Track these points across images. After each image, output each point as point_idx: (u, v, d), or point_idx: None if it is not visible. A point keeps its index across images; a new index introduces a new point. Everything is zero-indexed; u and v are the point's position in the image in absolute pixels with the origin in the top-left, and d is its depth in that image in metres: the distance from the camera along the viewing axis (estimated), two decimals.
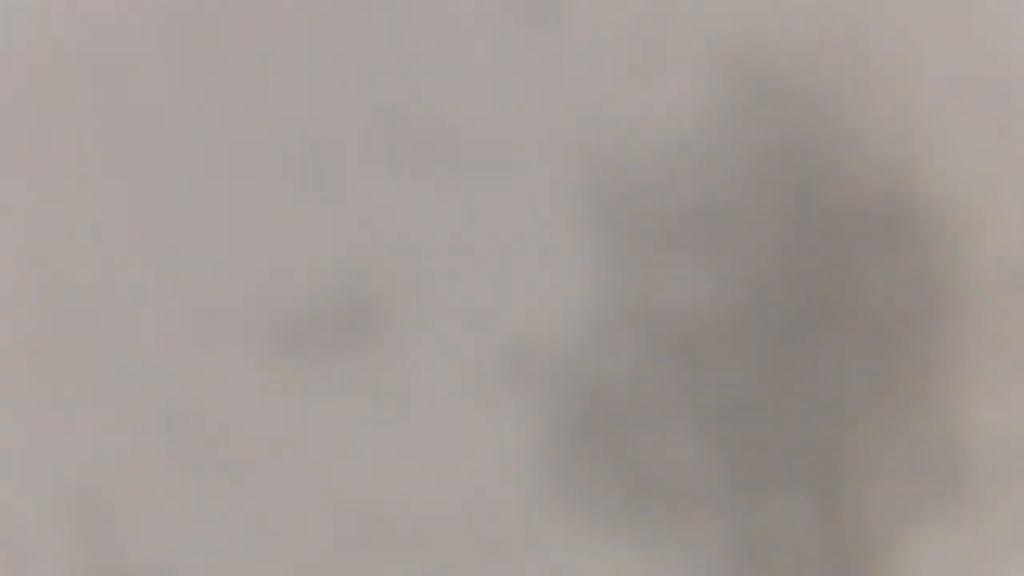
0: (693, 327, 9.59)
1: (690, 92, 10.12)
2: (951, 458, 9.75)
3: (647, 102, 10.25)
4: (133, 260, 9.89)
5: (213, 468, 9.57)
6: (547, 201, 9.88)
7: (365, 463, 9.80)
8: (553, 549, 9.61)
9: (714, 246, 9.58)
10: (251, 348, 9.84)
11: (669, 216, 9.79)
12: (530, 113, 9.89)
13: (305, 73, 9.78)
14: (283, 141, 9.71)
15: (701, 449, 9.52)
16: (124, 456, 9.58)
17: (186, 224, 10.07)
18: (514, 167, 9.90)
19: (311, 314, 9.98)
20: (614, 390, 9.65)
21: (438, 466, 9.76)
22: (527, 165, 9.88)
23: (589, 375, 9.74)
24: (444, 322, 10.00)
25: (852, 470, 9.42)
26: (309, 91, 9.82)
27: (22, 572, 9.29)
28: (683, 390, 9.49)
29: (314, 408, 9.88)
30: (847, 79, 9.59)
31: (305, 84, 9.83)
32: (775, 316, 9.52)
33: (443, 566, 9.54)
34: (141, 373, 9.79)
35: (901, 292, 9.46)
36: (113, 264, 9.85)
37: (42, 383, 9.61)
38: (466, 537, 9.62)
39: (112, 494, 9.39)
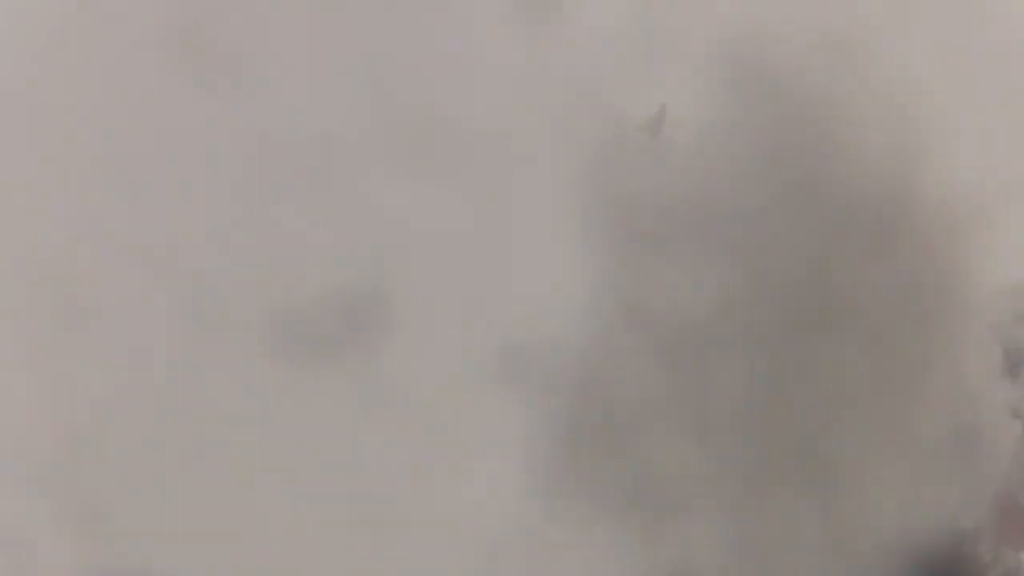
0: (692, 327, 9.54)
1: (689, 93, 10.08)
2: (951, 455, 9.68)
3: (646, 104, 10.20)
4: (132, 261, 9.82)
5: (212, 468, 9.50)
6: (547, 202, 9.82)
7: (364, 462, 9.72)
8: (552, 546, 9.55)
9: (713, 246, 9.54)
10: (250, 348, 9.78)
11: (668, 216, 9.75)
12: (530, 115, 9.84)
13: (307, 74, 9.72)
14: (283, 142, 9.67)
15: (700, 448, 9.47)
16: (123, 456, 9.51)
17: (186, 225, 9.99)
18: (513, 168, 9.86)
19: (310, 314, 9.91)
20: (613, 389, 9.60)
21: (437, 464, 9.69)
22: (526, 166, 9.83)
23: (588, 374, 9.68)
24: (444, 321, 9.93)
25: (851, 469, 9.37)
26: (310, 92, 9.77)
27: (22, 572, 9.22)
28: (682, 389, 9.44)
29: (313, 407, 9.80)
30: (847, 80, 9.56)
31: (306, 85, 9.77)
32: (774, 316, 9.47)
33: (442, 563, 9.49)
34: (140, 372, 9.72)
35: (901, 291, 9.42)
36: (113, 264, 9.78)
37: (42, 382, 9.53)
38: (465, 534, 9.56)
39: (111, 494, 9.33)
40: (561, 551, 9.38)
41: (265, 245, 10.03)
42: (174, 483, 9.48)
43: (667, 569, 9.51)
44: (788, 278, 9.69)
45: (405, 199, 9.88)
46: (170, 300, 9.78)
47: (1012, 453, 10.17)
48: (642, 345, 9.76)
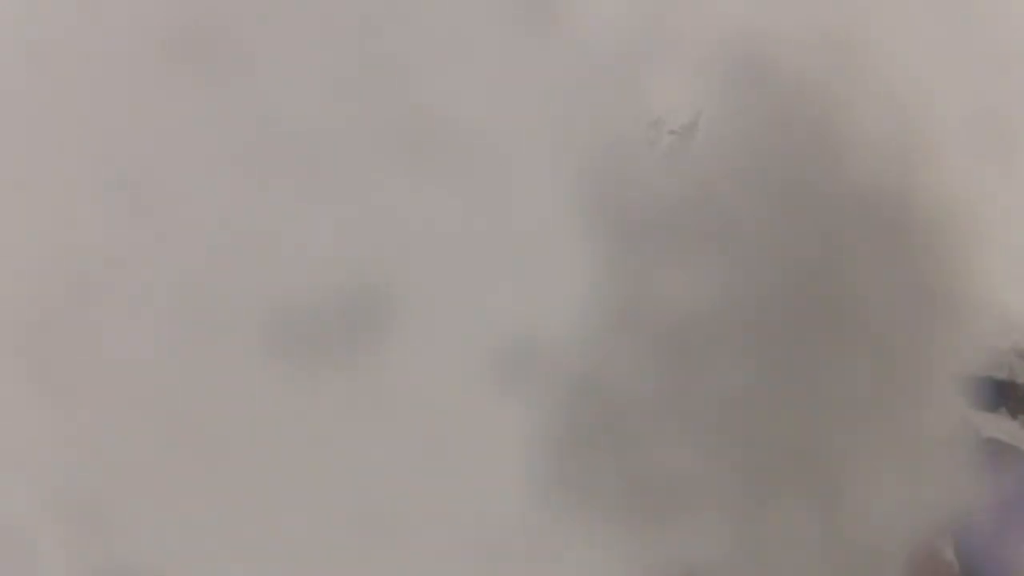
0: (692, 327, 9.56)
1: (689, 93, 10.10)
2: (950, 455, 9.72)
3: (646, 104, 10.23)
4: (131, 261, 9.85)
5: (212, 468, 9.54)
6: (547, 202, 9.86)
7: (364, 462, 9.75)
8: (551, 547, 9.58)
9: (712, 247, 9.57)
10: (250, 348, 9.81)
11: (669, 217, 9.77)
12: (529, 115, 9.88)
13: (307, 74, 9.75)
14: (283, 142, 9.70)
15: (698, 449, 9.50)
16: (122, 456, 9.54)
17: (184, 226, 10.02)
18: (513, 168, 9.89)
19: (309, 315, 9.95)
20: (612, 390, 9.62)
21: (437, 464, 9.73)
22: (526, 166, 9.87)
23: (587, 375, 9.71)
24: (444, 321, 9.96)
25: (850, 469, 9.40)
26: (310, 92, 9.79)
27: (22, 572, 9.24)
28: (680, 390, 9.47)
29: (312, 407, 9.84)
30: (847, 79, 9.59)
31: (307, 85, 9.80)
32: (773, 317, 9.50)
33: (441, 564, 9.51)
34: (140, 372, 9.75)
35: (902, 292, 9.45)
36: (111, 265, 9.81)
37: (40, 382, 9.56)
38: (464, 535, 9.59)
39: (110, 494, 9.35)
40: (561, 551, 9.42)
41: (264, 245, 10.05)
42: (174, 483, 9.51)
43: (667, 569, 9.59)
44: (788, 278, 9.73)
45: (405, 199, 9.91)
46: (169, 299, 9.80)
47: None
48: (642, 345, 9.79)
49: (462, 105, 10.26)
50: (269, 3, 10.12)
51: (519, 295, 10.11)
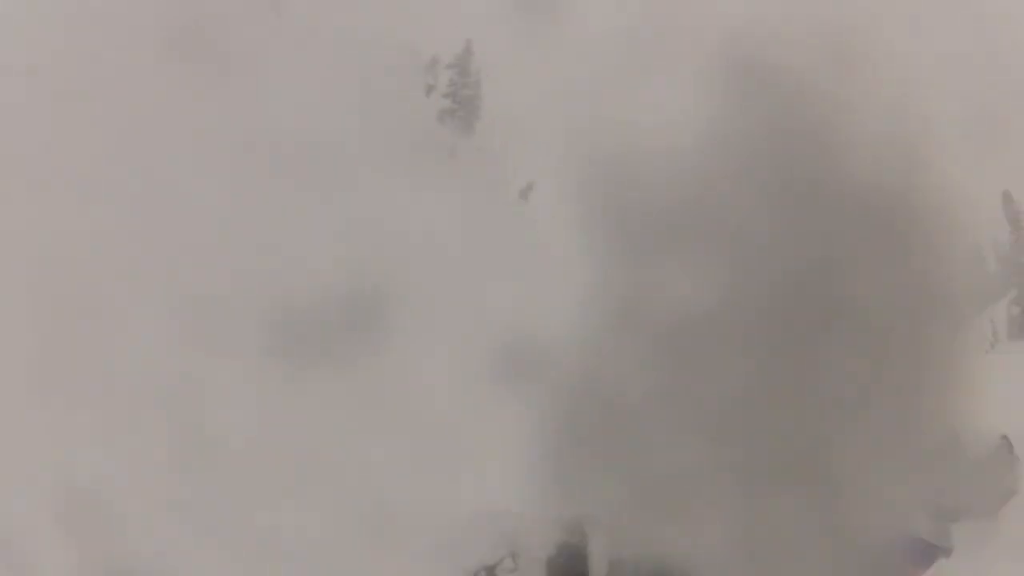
0: (692, 327, 9.56)
1: (690, 93, 10.11)
2: (949, 455, 9.71)
3: (646, 104, 10.23)
4: (133, 262, 9.87)
5: (212, 468, 9.53)
6: (548, 203, 9.86)
7: (364, 462, 9.75)
8: (549, 545, 9.57)
9: (712, 246, 9.57)
10: (250, 349, 9.81)
11: (668, 216, 9.78)
12: (531, 116, 9.88)
13: (307, 76, 9.78)
14: (282, 143, 9.72)
15: (698, 448, 9.50)
16: (124, 456, 9.54)
17: (186, 227, 10.04)
18: (513, 169, 9.90)
19: (311, 315, 9.96)
20: (612, 390, 9.63)
21: (437, 464, 9.72)
22: (526, 168, 9.87)
23: (587, 375, 9.72)
24: (444, 322, 9.97)
25: (849, 468, 9.39)
26: (310, 94, 9.81)
27: (22, 572, 9.26)
28: (682, 389, 9.47)
29: (313, 407, 9.84)
30: (848, 79, 9.59)
31: (307, 87, 9.82)
32: (773, 317, 9.50)
33: (441, 564, 9.52)
34: (141, 373, 9.76)
35: (899, 291, 9.45)
36: (113, 266, 9.83)
37: (42, 384, 9.58)
38: (463, 532, 9.58)
39: (112, 494, 9.37)
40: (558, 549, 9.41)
41: (266, 246, 10.05)
42: (175, 483, 9.52)
43: (667, 567, 9.55)
44: (788, 278, 9.70)
45: (405, 200, 9.92)
46: (171, 301, 9.81)
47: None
48: (642, 345, 9.77)
49: (463, 106, 10.25)
50: (270, 5, 10.13)
51: (519, 295, 10.11)
